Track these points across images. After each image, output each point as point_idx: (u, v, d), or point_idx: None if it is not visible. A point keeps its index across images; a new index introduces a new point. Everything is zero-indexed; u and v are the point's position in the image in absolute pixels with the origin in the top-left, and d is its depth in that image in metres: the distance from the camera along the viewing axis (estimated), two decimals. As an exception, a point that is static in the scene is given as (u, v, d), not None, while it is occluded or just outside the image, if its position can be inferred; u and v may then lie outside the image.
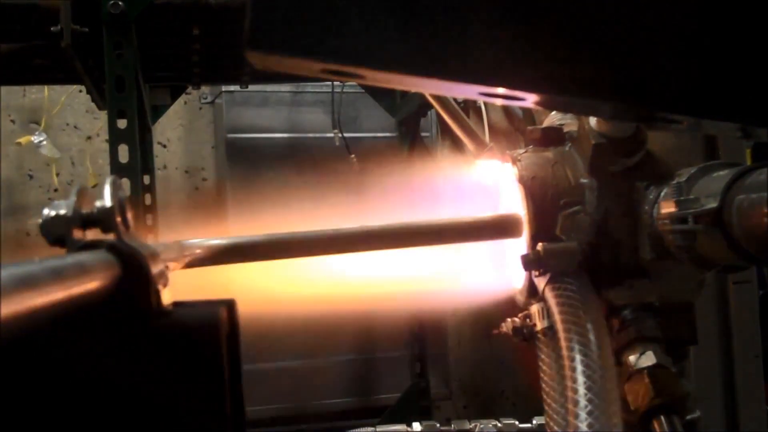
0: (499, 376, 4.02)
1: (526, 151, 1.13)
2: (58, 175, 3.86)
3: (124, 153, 2.32)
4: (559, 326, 0.98)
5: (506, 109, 1.39)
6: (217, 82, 3.60)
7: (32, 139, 3.75)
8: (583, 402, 0.89)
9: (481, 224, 1.13)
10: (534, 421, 2.41)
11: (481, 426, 2.43)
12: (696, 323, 1.10)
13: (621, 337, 1.04)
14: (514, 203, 1.14)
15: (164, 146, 3.97)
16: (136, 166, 2.36)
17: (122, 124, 2.32)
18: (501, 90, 0.76)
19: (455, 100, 1.43)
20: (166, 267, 0.60)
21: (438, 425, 2.45)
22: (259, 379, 3.44)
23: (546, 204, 1.08)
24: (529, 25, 0.74)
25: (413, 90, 1.34)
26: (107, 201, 0.56)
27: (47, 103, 3.79)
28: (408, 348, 3.83)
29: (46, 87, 3.71)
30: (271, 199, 1.33)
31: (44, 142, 3.74)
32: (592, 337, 0.95)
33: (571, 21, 0.75)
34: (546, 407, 1.07)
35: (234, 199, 3.77)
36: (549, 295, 1.04)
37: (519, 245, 1.12)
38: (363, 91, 3.62)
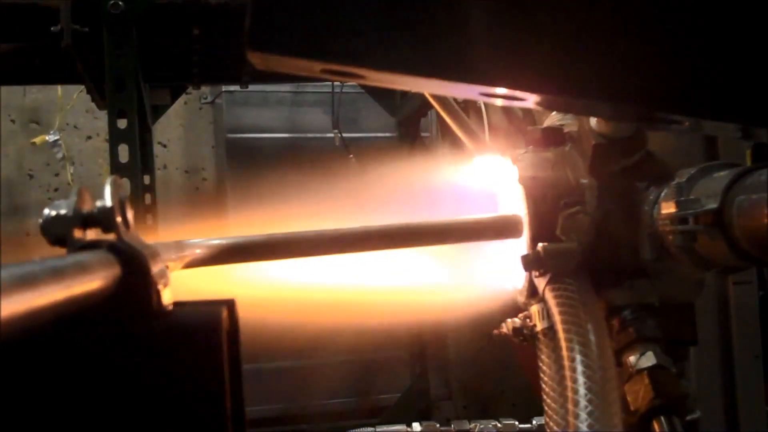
0: (499, 376, 4.01)
1: (526, 152, 1.13)
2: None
3: (124, 153, 2.32)
4: (559, 327, 0.98)
5: (506, 109, 1.39)
6: (217, 82, 3.60)
7: (47, 138, 3.75)
8: (583, 402, 0.89)
9: (482, 224, 1.13)
10: (534, 421, 2.41)
11: (481, 426, 2.42)
12: (696, 323, 1.10)
13: (621, 338, 1.04)
14: (513, 202, 1.14)
15: (164, 146, 3.97)
16: (136, 166, 2.36)
17: (122, 124, 2.32)
18: (501, 90, 0.76)
19: (455, 100, 1.43)
20: (166, 267, 0.60)
21: (438, 425, 2.45)
22: (259, 379, 3.44)
23: (546, 204, 1.08)
24: (529, 26, 0.74)
25: (413, 90, 1.34)
26: (107, 201, 0.56)
27: (61, 102, 3.78)
28: (408, 348, 3.83)
29: (59, 86, 3.70)
30: (271, 198, 1.33)
31: (60, 142, 3.74)
32: (592, 337, 0.95)
33: (571, 21, 0.75)
34: (546, 407, 1.07)
35: (234, 199, 3.77)
36: (549, 296, 1.04)
37: (519, 246, 1.12)
38: (363, 91, 3.62)
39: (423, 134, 3.79)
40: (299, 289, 1.16)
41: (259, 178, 3.17)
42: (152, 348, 0.54)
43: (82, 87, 3.57)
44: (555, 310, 1.01)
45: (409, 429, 2.44)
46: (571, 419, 0.90)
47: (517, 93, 0.77)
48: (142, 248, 0.55)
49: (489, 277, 1.24)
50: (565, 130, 1.13)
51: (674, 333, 1.06)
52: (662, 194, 1.00)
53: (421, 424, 2.45)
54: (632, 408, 1.00)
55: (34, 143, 3.75)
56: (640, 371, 1.00)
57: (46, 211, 0.54)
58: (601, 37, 0.75)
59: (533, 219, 1.08)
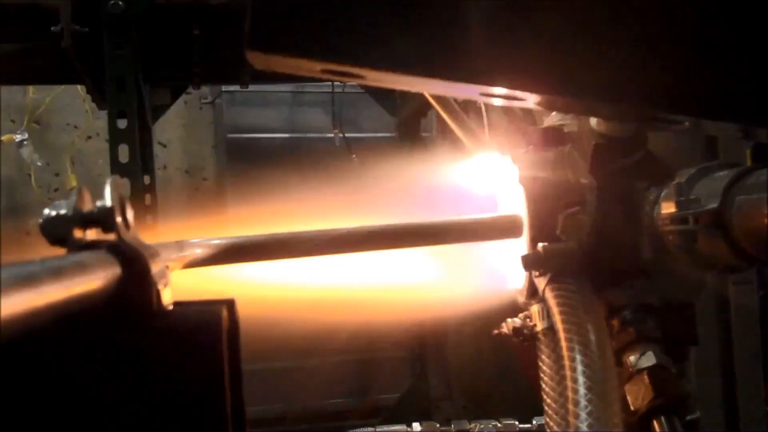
0: (499, 376, 4.01)
1: (526, 152, 1.13)
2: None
3: (124, 153, 2.32)
4: (559, 326, 0.98)
5: (506, 109, 1.39)
6: (217, 82, 3.59)
7: (15, 138, 3.74)
8: (583, 402, 0.89)
9: (482, 224, 1.13)
10: (534, 421, 2.41)
11: (481, 426, 2.43)
12: (696, 323, 1.10)
13: (621, 338, 1.04)
14: (513, 202, 1.14)
15: (164, 146, 3.97)
16: (136, 166, 2.36)
17: (122, 124, 2.32)
18: (501, 90, 0.76)
19: (455, 100, 1.43)
20: (166, 267, 0.60)
21: (438, 425, 2.45)
22: (259, 379, 3.44)
23: (546, 204, 1.08)
24: (529, 26, 0.74)
25: (413, 90, 1.34)
26: (107, 201, 0.56)
27: (31, 103, 3.79)
28: (408, 348, 3.82)
29: (30, 87, 3.71)
30: (271, 199, 1.33)
31: (26, 143, 3.73)
32: (592, 337, 0.95)
33: (571, 22, 0.75)
34: (546, 407, 1.07)
35: (234, 199, 3.77)
36: (549, 296, 1.04)
37: (519, 246, 1.12)
38: (363, 91, 3.61)
39: (423, 134, 3.79)
40: (299, 289, 1.16)
41: (259, 178, 3.16)
42: (152, 348, 0.54)
43: (60, 88, 3.57)
44: (555, 310, 1.01)
45: (409, 429, 2.44)
46: (571, 419, 0.90)
47: (517, 93, 0.77)
48: (142, 248, 0.55)
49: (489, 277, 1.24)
50: (565, 130, 1.13)
51: (674, 333, 1.06)
52: (662, 194, 1.00)
53: (421, 424, 2.45)
54: (632, 408, 1.00)
55: (1, 141, 3.74)
56: (640, 371, 1.00)
57: (46, 211, 0.54)
58: (602, 37, 0.75)
59: (533, 219, 1.08)
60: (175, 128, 4.01)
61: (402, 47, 0.71)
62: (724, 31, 0.76)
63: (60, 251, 0.53)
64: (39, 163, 3.78)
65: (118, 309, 0.53)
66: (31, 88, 3.74)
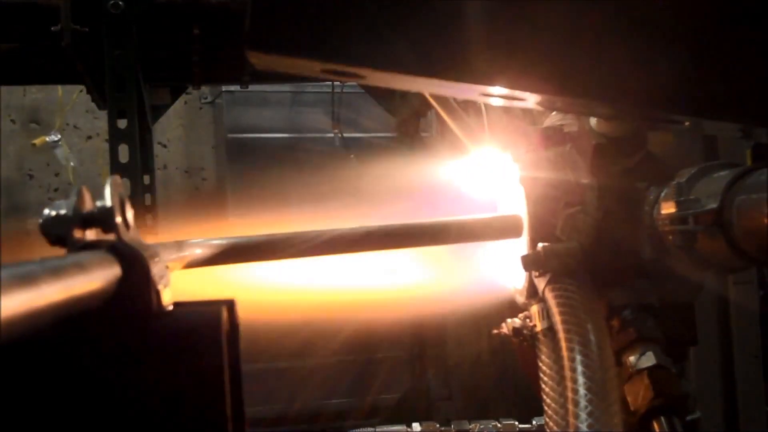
0: (499, 376, 4.01)
1: (526, 152, 1.13)
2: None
3: (124, 153, 2.32)
4: (559, 327, 0.98)
5: (506, 109, 1.39)
6: (217, 82, 3.59)
7: (47, 139, 3.74)
8: (583, 402, 0.89)
9: (482, 224, 1.13)
10: (534, 421, 2.41)
11: (481, 426, 2.42)
12: (696, 323, 1.10)
13: (621, 338, 1.04)
14: (513, 201, 1.14)
15: (164, 146, 3.97)
16: (136, 166, 2.36)
17: (122, 124, 2.32)
18: (501, 90, 0.76)
19: (455, 99, 1.43)
20: (166, 267, 0.60)
21: (438, 425, 2.45)
22: (259, 379, 3.44)
23: (546, 204, 1.08)
24: (529, 26, 0.74)
25: (413, 90, 1.35)
26: (107, 201, 0.56)
27: (60, 102, 3.78)
28: (408, 348, 3.82)
29: (59, 87, 3.70)
30: (271, 198, 1.34)
31: (60, 144, 3.73)
32: (592, 337, 0.95)
33: (571, 22, 0.75)
34: (546, 407, 1.06)
35: (234, 198, 3.76)
36: (549, 296, 1.04)
37: (519, 246, 1.12)
38: (363, 91, 3.61)
39: (422, 134, 3.79)
40: (299, 289, 1.16)
41: (259, 178, 3.16)
42: (152, 348, 0.54)
43: (83, 87, 3.57)
44: (555, 310, 1.01)
45: (409, 429, 2.43)
46: (571, 419, 0.90)
47: (517, 93, 0.77)
48: (141, 249, 0.55)
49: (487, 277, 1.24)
50: (565, 130, 1.13)
51: (674, 333, 1.06)
52: (662, 194, 1.00)
53: (421, 424, 2.45)
54: (632, 408, 1.00)
55: (34, 144, 3.75)
56: (640, 371, 1.00)
57: (46, 211, 0.54)
58: (601, 37, 0.75)
59: (533, 219, 1.08)
60: (175, 128, 4.01)
61: (402, 47, 0.71)
62: (724, 31, 0.76)
63: (60, 251, 0.53)
64: (72, 164, 3.77)
65: (118, 309, 0.53)
66: (59, 89, 3.73)
